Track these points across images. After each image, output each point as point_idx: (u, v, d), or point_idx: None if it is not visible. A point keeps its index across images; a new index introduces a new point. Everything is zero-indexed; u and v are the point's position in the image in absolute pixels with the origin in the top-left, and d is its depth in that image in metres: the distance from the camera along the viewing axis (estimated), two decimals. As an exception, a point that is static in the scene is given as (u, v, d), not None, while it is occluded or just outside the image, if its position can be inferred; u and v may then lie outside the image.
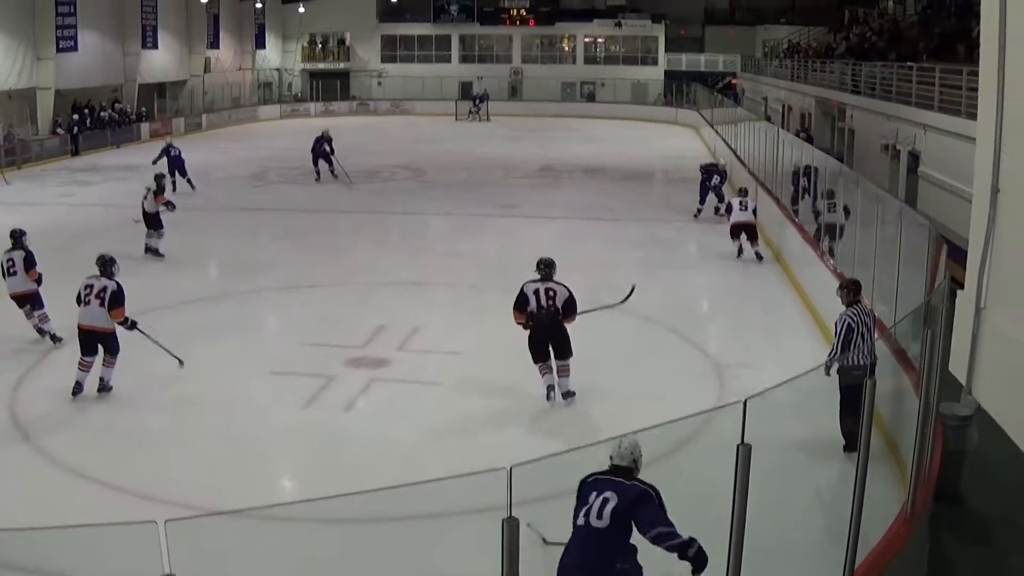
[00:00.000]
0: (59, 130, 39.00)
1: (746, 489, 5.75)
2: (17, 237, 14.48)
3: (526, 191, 30.02)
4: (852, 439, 9.20)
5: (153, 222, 20.05)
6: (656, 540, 6.34)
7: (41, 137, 38.23)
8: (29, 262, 14.20)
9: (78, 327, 12.24)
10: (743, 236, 19.75)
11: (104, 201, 27.62)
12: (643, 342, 14.42)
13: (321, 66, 65.40)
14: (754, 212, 19.97)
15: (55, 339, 14.10)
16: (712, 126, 40.98)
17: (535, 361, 11.93)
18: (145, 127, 44.39)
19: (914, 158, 23.69)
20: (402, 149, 40.34)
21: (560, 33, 65.57)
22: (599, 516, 6.37)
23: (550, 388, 11.91)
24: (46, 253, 15.36)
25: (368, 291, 17.53)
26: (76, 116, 39.89)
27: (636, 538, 6.42)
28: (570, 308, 11.85)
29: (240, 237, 22.62)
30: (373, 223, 24.95)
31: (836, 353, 10.06)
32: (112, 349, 12.21)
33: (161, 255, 19.81)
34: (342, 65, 65.39)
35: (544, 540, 7.34)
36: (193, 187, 28.34)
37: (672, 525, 6.36)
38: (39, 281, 14.20)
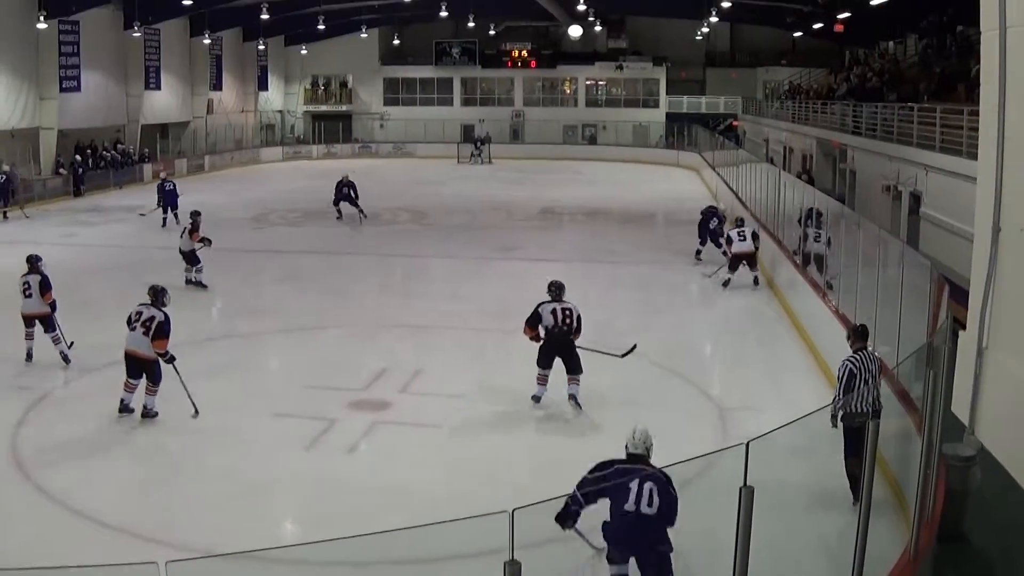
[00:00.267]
0: (62, 170, 39.10)
1: (749, 531, 5.74)
2: (33, 262, 15.31)
3: (527, 234, 30.06)
4: (856, 481, 9.18)
5: (190, 258, 20.82)
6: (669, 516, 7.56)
7: (43, 177, 38.31)
8: (44, 286, 14.97)
9: (124, 351, 12.59)
10: (743, 265, 19.96)
11: (106, 242, 27.69)
12: (645, 384, 14.37)
13: (323, 108, 65.69)
14: (754, 237, 20.14)
15: (66, 359, 14.86)
16: (714, 168, 41.09)
17: (540, 367, 13.13)
18: (148, 168, 44.44)
19: (915, 199, 23.71)
20: (404, 192, 40.41)
21: (562, 76, 65.91)
22: (649, 504, 7.47)
23: (537, 398, 13.19)
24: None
25: (370, 334, 17.54)
26: (79, 156, 40.01)
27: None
28: (579, 326, 13.08)
29: (242, 278, 22.62)
30: (375, 266, 24.96)
31: (839, 400, 10.03)
32: (153, 378, 12.56)
33: (204, 286, 20.58)
34: (344, 107, 65.68)
35: (593, 546, 8.02)
36: (178, 222, 28.60)
37: None
38: (53, 306, 14.92)
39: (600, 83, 65.96)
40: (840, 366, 10.38)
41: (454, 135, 61.73)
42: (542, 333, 13.17)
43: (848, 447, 9.48)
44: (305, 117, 65.52)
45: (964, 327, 6.96)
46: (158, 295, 12.87)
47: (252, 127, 60.87)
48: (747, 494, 5.69)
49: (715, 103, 63.42)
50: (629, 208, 36.15)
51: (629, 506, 7.48)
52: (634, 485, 7.50)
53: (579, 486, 7.75)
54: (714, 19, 48.40)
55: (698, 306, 20.17)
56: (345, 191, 31.73)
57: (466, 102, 66.24)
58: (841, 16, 42.58)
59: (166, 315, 12.61)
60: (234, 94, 57.93)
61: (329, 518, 9.78)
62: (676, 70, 63.67)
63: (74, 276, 21.24)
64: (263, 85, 61.27)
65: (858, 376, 10.03)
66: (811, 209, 19.99)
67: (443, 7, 49.81)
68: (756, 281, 20.15)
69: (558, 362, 13.21)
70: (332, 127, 63.25)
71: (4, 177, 33.05)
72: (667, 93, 64.10)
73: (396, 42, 63.58)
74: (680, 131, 57.29)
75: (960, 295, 8.33)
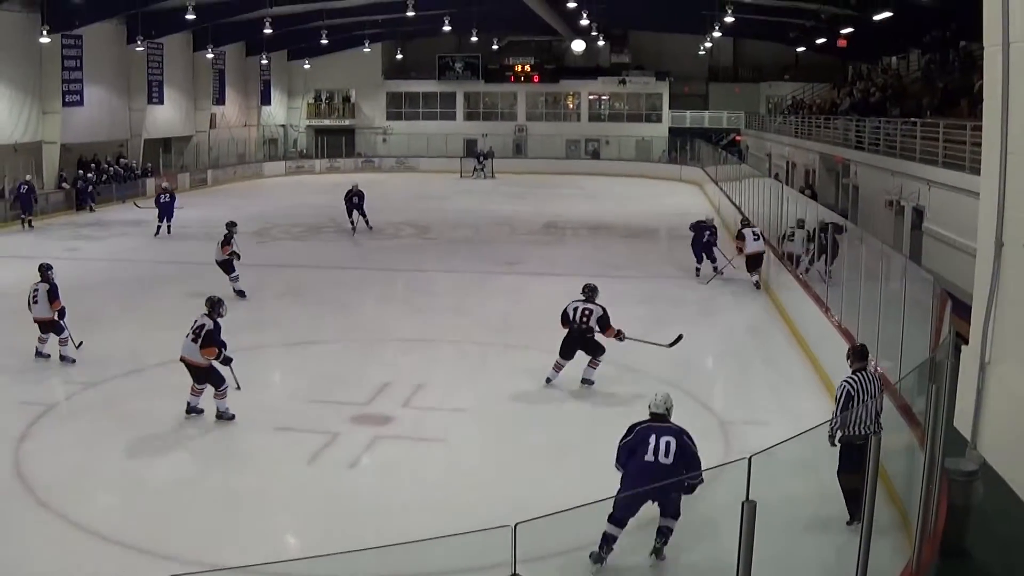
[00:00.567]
0: (64, 184, 39.14)
1: (751, 545, 5.73)
2: (44, 271, 15.89)
3: (530, 248, 30.09)
4: (849, 495, 9.20)
5: (225, 267, 21.53)
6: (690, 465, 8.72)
7: (47, 191, 38.32)
8: (52, 294, 15.58)
9: (179, 358, 13.21)
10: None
11: (109, 256, 27.71)
12: (647, 398, 14.34)
13: (326, 123, 65.75)
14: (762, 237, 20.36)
15: (71, 360, 15.60)
16: (716, 183, 41.11)
17: (560, 355, 14.52)
18: (151, 182, 44.39)
19: (918, 214, 23.71)
20: (407, 206, 40.40)
21: (564, 90, 66.02)
22: (666, 455, 8.72)
23: (548, 380, 14.56)
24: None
25: (372, 348, 17.54)
26: (81, 171, 40.04)
27: None
28: (604, 323, 14.36)
29: (245, 292, 22.59)
30: (378, 280, 24.95)
31: (836, 421, 9.98)
32: (215, 382, 13.12)
33: (243, 295, 21.13)
34: (347, 122, 65.73)
35: None
36: (170, 232, 30.58)
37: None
38: (62, 313, 15.59)
39: (603, 98, 66.02)
40: (838, 387, 10.33)
41: (457, 150, 61.84)
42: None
43: (843, 462, 9.47)
44: (308, 131, 65.63)
45: (967, 342, 6.96)
46: (214, 306, 13.37)
47: (255, 141, 60.84)
48: (749, 508, 5.69)
49: (718, 118, 63.46)
50: (632, 223, 36.16)
51: (648, 457, 8.75)
52: (652, 439, 8.81)
53: (616, 458, 9.10)
54: (717, 34, 48.36)
55: (701, 320, 20.12)
56: (355, 200, 32.01)
57: (469, 116, 66.33)
58: (844, 31, 42.57)
59: (216, 324, 13.10)
60: (237, 108, 57.94)
61: (331, 532, 9.78)
62: (679, 85, 63.75)
63: (77, 290, 21.21)
64: (266, 99, 61.30)
65: (856, 398, 9.93)
66: (799, 220, 20.20)
67: (446, 22, 49.95)
68: (757, 285, 20.15)
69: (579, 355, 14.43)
70: (335, 141, 63.34)
71: (26, 187, 33.50)
72: (670, 108, 64.11)
73: (399, 56, 63.61)
74: (683, 146, 57.26)
75: (963, 310, 8.33)
